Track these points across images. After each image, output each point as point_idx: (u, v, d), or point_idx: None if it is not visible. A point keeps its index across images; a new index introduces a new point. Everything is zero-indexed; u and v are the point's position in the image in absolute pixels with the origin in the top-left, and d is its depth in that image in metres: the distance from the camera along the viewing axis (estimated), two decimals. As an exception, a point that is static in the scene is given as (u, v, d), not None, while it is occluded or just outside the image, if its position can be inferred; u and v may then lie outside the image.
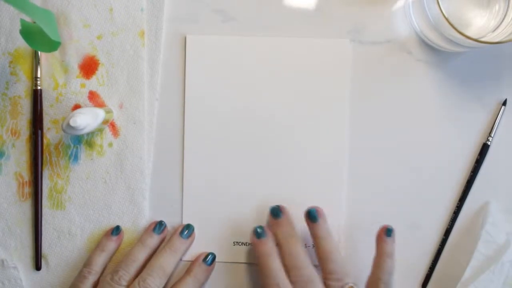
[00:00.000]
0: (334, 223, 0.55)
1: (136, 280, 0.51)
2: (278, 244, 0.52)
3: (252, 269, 0.56)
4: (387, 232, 0.53)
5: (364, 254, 0.55)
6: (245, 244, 0.56)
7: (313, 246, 0.52)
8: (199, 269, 0.54)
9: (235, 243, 0.56)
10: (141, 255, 0.53)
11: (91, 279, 0.53)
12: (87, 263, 0.54)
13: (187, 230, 0.54)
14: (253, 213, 0.55)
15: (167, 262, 0.53)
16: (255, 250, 0.52)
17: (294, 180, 0.55)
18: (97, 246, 0.54)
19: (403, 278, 0.55)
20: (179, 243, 0.54)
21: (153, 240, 0.54)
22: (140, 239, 0.54)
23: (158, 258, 0.53)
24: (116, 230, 0.55)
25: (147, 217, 0.56)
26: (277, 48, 0.55)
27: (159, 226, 0.54)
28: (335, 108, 0.55)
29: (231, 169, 0.55)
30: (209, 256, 0.55)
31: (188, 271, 0.54)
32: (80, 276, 0.53)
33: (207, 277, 0.55)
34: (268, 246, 0.51)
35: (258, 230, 0.52)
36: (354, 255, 0.55)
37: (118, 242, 0.55)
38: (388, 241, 0.52)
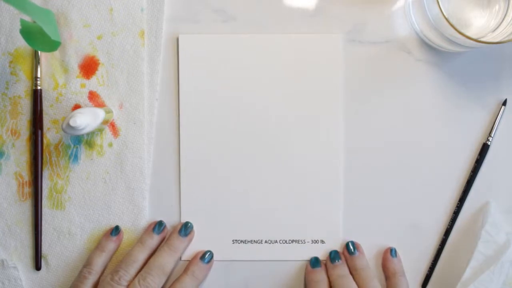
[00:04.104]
0: (333, 223, 0.55)
1: (136, 278, 0.51)
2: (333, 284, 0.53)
3: (251, 267, 0.56)
4: (391, 252, 0.54)
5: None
6: (243, 242, 0.56)
7: None
8: (197, 267, 0.54)
9: (234, 241, 0.56)
10: (141, 256, 0.53)
11: (91, 279, 0.53)
12: (87, 263, 0.54)
13: (186, 228, 0.54)
14: (251, 211, 0.55)
15: (166, 261, 0.53)
16: (307, 277, 0.54)
17: (291, 177, 0.55)
18: (97, 246, 0.54)
19: (403, 278, 0.55)
20: (177, 241, 0.54)
21: (153, 240, 0.54)
22: (140, 239, 0.54)
23: (157, 257, 0.53)
24: (116, 231, 0.55)
25: (147, 217, 0.56)
26: (271, 46, 0.55)
27: (158, 226, 0.54)
28: (334, 107, 0.55)
29: (229, 168, 0.55)
30: (207, 254, 0.55)
31: (186, 269, 0.54)
32: (80, 276, 0.53)
33: (205, 275, 0.55)
34: (320, 274, 0.54)
35: (313, 259, 0.55)
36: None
37: (117, 242, 0.55)
38: (396, 261, 0.54)
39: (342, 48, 0.55)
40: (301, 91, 0.55)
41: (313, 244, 0.55)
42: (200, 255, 0.55)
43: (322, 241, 0.55)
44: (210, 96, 0.55)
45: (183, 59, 0.55)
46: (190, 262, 0.55)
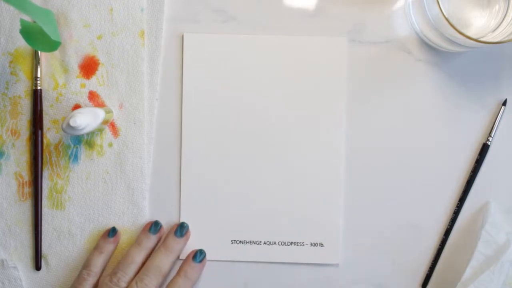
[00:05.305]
0: (332, 225, 0.55)
1: (134, 280, 0.52)
2: None
3: (250, 268, 0.56)
4: None
5: (363, 253, 0.55)
6: (242, 242, 0.56)
7: None
8: (190, 268, 0.54)
9: (233, 241, 0.56)
10: (138, 256, 0.53)
11: (90, 281, 0.53)
12: (86, 264, 0.54)
13: (181, 229, 0.54)
14: (250, 212, 0.55)
15: (163, 262, 0.53)
16: None
17: (291, 179, 0.55)
18: (95, 248, 0.54)
19: (403, 278, 0.55)
20: (173, 242, 0.54)
21: (150, 240, 0.54)
22: (136, 240, 0.54)
23: (154, 258, 0.53)
24: (113, 232, 0.54)
25: (147, 217, 0.56)
26: (274, 47, 0.55)
27: (154, 226, 0.54)
28: (334, 107, 0.55)
29: (229, 168, 0.55)
30: (199, 253, 0.54)
31: (178, 271, 0.54)
32: (79, 278, 0.53)
33: (198, 275, 0.54)
34: None
35: None
36: (353, 255, 0.55)
37: (115, 243, 0.55)
38: None
39: (347, 50, 0.55)
40: (303, 92, 0.55)
41: (312, 247, 0.55)
42: (192, 255, 0.54)
43: (321, 244, 0.55)
44: (214, 96, 0.55)
45: (187, 57, 0.55)
46: (182, 262, 0.54)
